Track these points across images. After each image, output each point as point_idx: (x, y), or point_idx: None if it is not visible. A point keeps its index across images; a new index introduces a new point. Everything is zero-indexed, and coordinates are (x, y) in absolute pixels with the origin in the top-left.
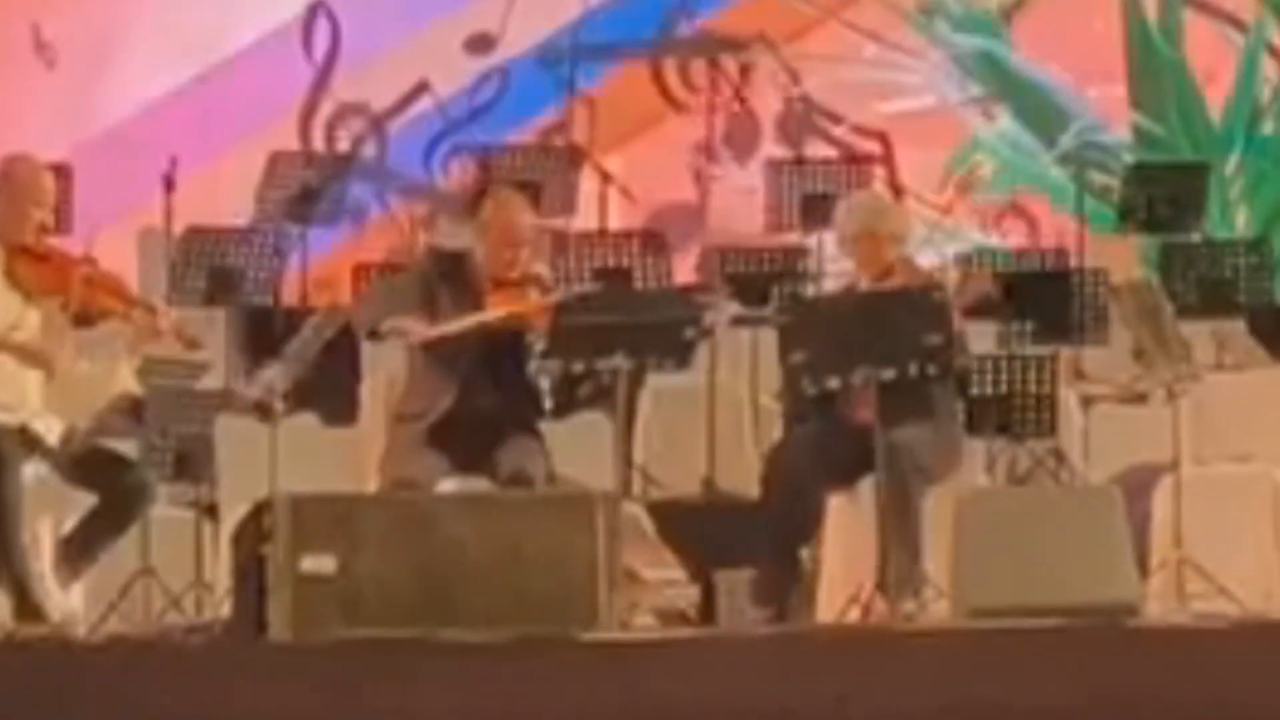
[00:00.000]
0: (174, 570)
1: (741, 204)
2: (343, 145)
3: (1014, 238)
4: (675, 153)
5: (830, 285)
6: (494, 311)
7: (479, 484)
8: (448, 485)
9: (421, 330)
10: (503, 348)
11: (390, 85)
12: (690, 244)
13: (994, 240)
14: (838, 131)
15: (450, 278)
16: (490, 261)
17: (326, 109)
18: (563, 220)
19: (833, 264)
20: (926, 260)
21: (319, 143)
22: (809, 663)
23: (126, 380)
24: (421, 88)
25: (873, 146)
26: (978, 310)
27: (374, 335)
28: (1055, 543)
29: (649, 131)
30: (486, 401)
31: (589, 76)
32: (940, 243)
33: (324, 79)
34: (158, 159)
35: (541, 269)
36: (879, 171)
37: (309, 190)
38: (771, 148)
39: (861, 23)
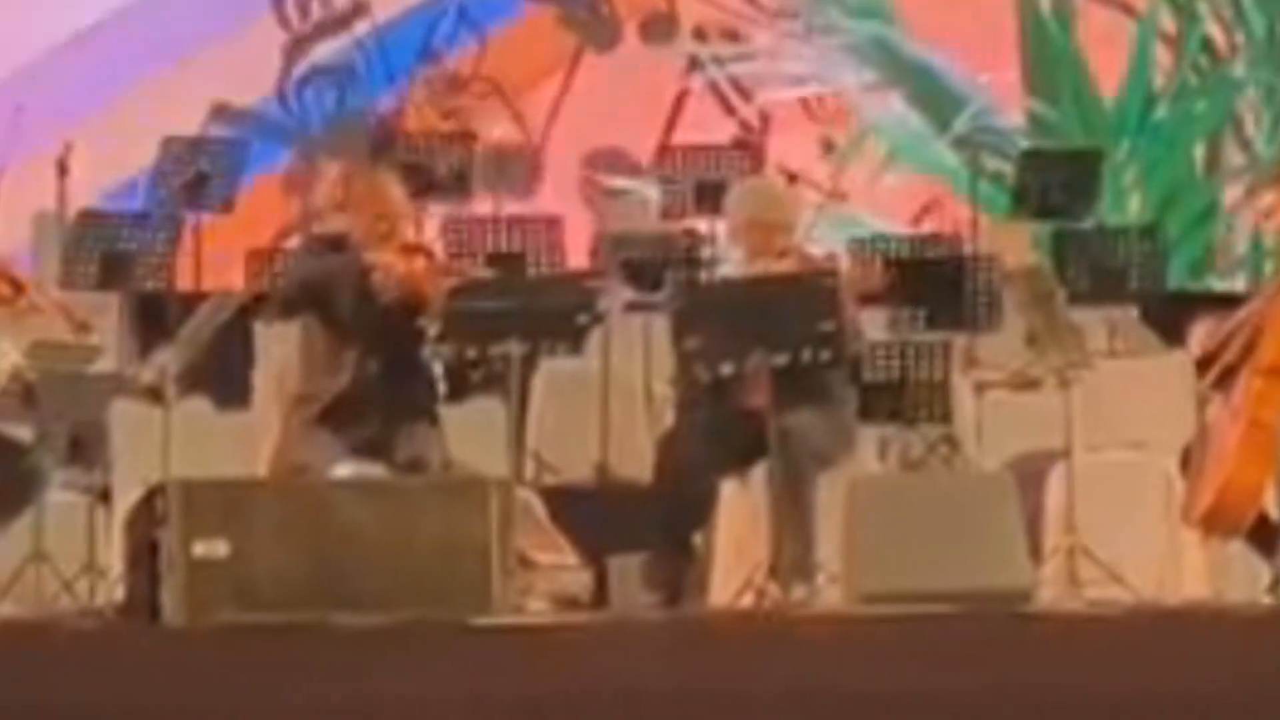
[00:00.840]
0: (67, 555)
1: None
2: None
3: (926, 222)
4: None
5: (724, 271)
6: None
7: (374, 469)
8: (342, 470)
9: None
10: (395, 332)
11: None
12: None
13: (896, 226)
14: (745, 112)
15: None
16: (366, 237)
17: None
18: (457, 205)
19: (726, 252)
20: (821, 246)
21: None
22: (701, 647)
23: (18, 362)
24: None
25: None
26: (875, 297)
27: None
28: (948, 529)
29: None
30: (380, 386)
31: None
32: (835, 228)
33: None
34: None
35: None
36: (772, 158)
37: (202, 175)
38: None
39: (749, 9)
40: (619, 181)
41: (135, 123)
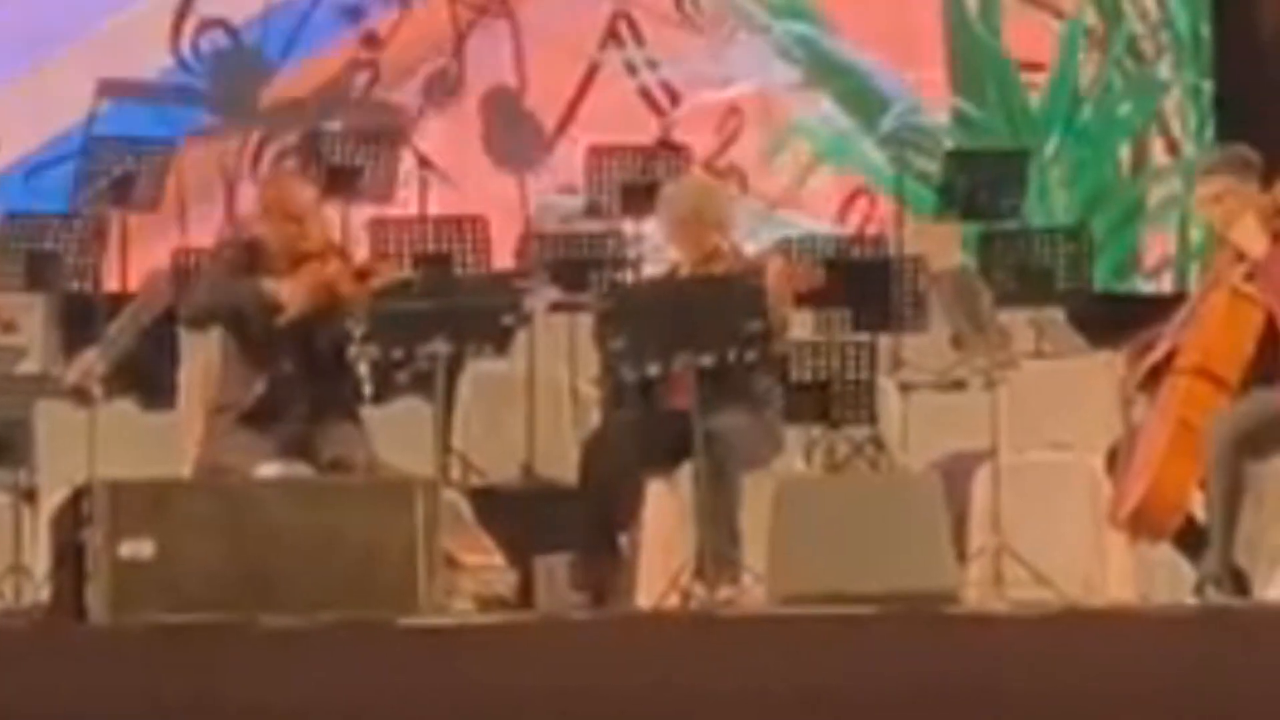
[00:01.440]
0: None
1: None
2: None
3: (853, 222)
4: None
5: (651, 271)
6: (291, 311)
7: (299, 469)
8: (267, 470)
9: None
10: (318, 333)
11: None
12: None
13: (824, 226)
14: (673, 113)
15: (248, 266)
16: (278, 241)
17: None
18: (382, 206)
19: (655, 251)
20: (751, 246)
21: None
22: (628, 647)
23: None
24: None
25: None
26: (809, 295)
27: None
28: (874, 530)
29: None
30: (303, 387)
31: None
32: (765, 228)
33: None
34: None
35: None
36: (699, 157)
37: (129, 175)
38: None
39: (673, 11)
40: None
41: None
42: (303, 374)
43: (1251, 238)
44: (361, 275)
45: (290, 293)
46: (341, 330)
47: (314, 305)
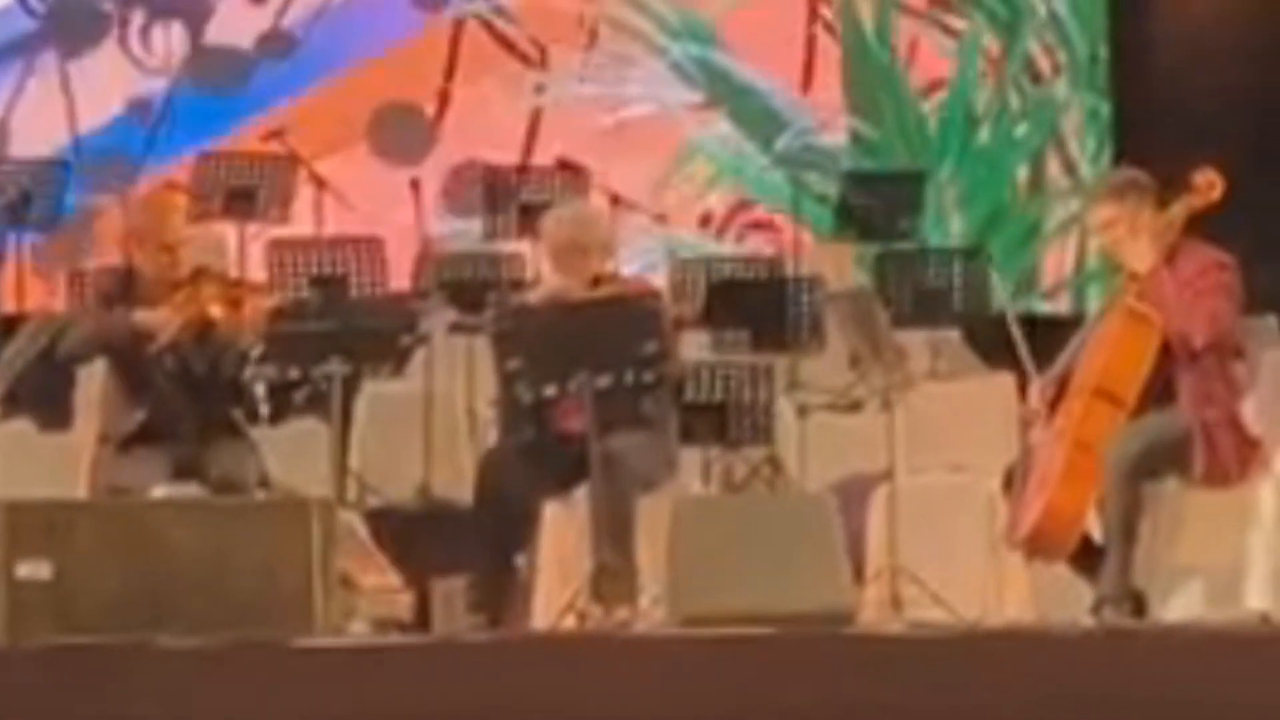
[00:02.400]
0: None
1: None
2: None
3: (752, 243)
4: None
5: (547, 294)
6: (162, 339)
7: (191, 490)
8: (160, 491)
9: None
10: (195, 357)
11: None
12: None
13: (721, 246)
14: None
15: (124, 296)
16: (151, 267)
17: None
18: (278, 227)
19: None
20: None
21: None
22: (524, 669)
23: None
24: None
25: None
26: (697, 319)
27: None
28: (771, 550)
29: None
30: (186, 410)
31: None
32: (659, 249)
33: None
34: None
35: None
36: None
37: (25, 195)
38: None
39: (580, 33)
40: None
41: None
42: (184, 398)
43: (1141, 258)
44: (236, 301)
45: (161, 321)
46: (222, 352)
47: (187, 332)
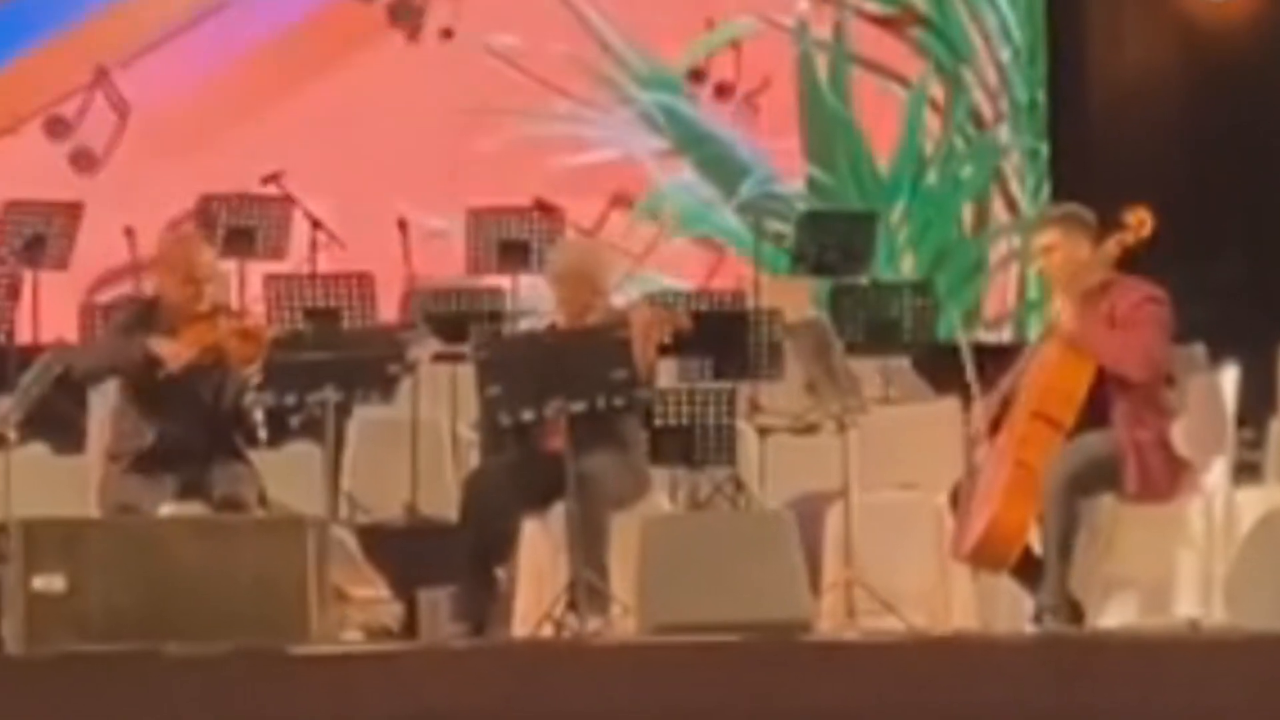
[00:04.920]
0: None
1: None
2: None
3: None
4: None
5: (526, 324)
6: (171, 366)
7: (195, 508)
8: (167, 509)
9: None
10: (203, 385)
11: None
12: None
13: (681, 283)
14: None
15: (146, 322)
16: (176, 299)
17: None
18: (275, 263)
19: (526, 306)
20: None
21: None
22: (505, 674)
23: None
24: None
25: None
26: (669, 346)
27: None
28: (734, 564)
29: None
30: (193, 434)
31: None
32: (630, 285)
33: None
34: None
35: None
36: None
37: (41, 236)
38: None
39: (553, 79)
40: (432, 222)
41: None
42: (192, 422)
43: (1077, 289)
44: (246, 335)
45: (176, 352)
46: (228, 381)
47: (200, 361)
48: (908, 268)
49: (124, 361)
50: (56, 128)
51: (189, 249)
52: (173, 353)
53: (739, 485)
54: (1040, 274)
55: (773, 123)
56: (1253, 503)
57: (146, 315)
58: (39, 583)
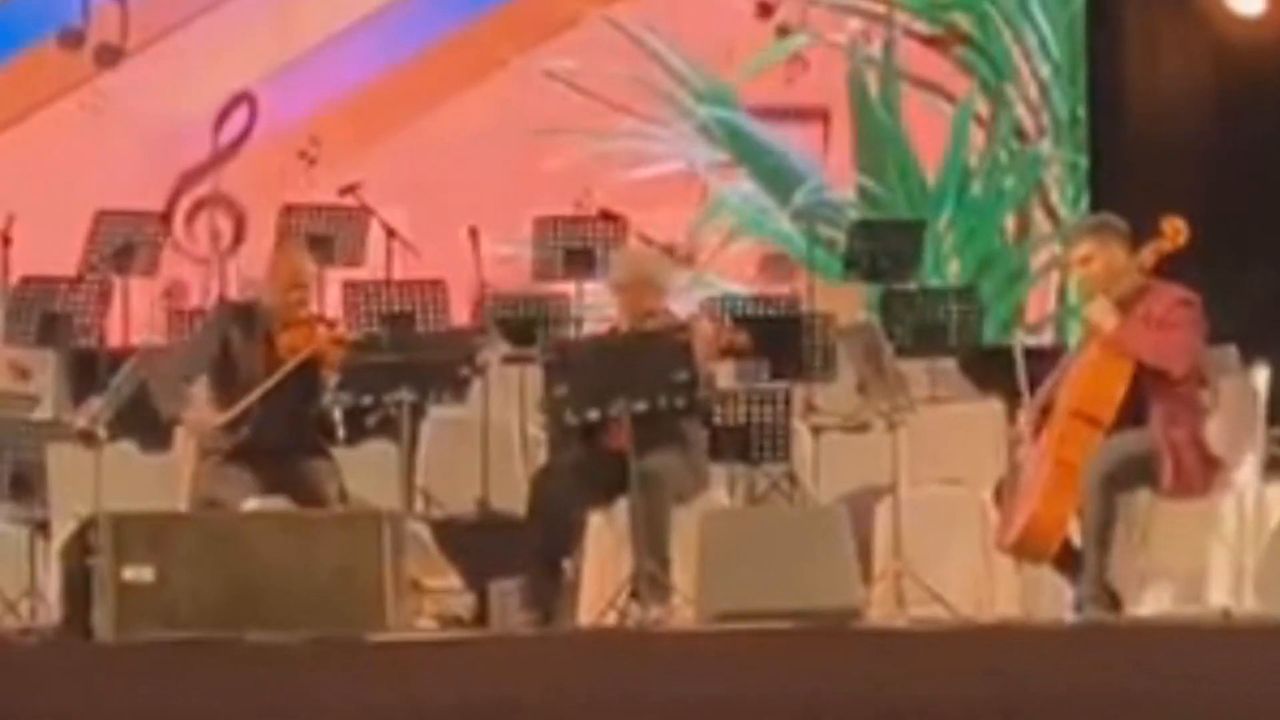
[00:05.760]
0: (10, 580)
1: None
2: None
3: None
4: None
5: (590, 328)
6: (290, 362)
7: (279, 503)
8: (251, 504)
9: (212, 416)
10: (294, 384)
11: None
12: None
13: (741, 288)
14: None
15: (242, 325)
16: (278, 305)
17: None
18: (353, 270)
19: (591, 311)
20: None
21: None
22: (571, 661)
23: None
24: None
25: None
26: (730, 353)
27: (175, 420)
28: (788, 556)
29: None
30: (281, 431)
31: None
32: (691, 290)
33: None
34: None
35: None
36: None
37: (130, 245)
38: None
39: (617, 98)
40: (503, 248)
41: None
42: (280, 419)
43: (1116, 294)
44: (339, 341)
45: (279, 352)
46: (315, 382)
47: (298, 364)
48: (953, 274)
49: (223, 359)
50: None
51: (291, 258)
52: (281, 351)
53: (794, 481)
54: (1080, 284)
55: (825, 135)
56: None
57: (244, 318)
58: (128, 574)
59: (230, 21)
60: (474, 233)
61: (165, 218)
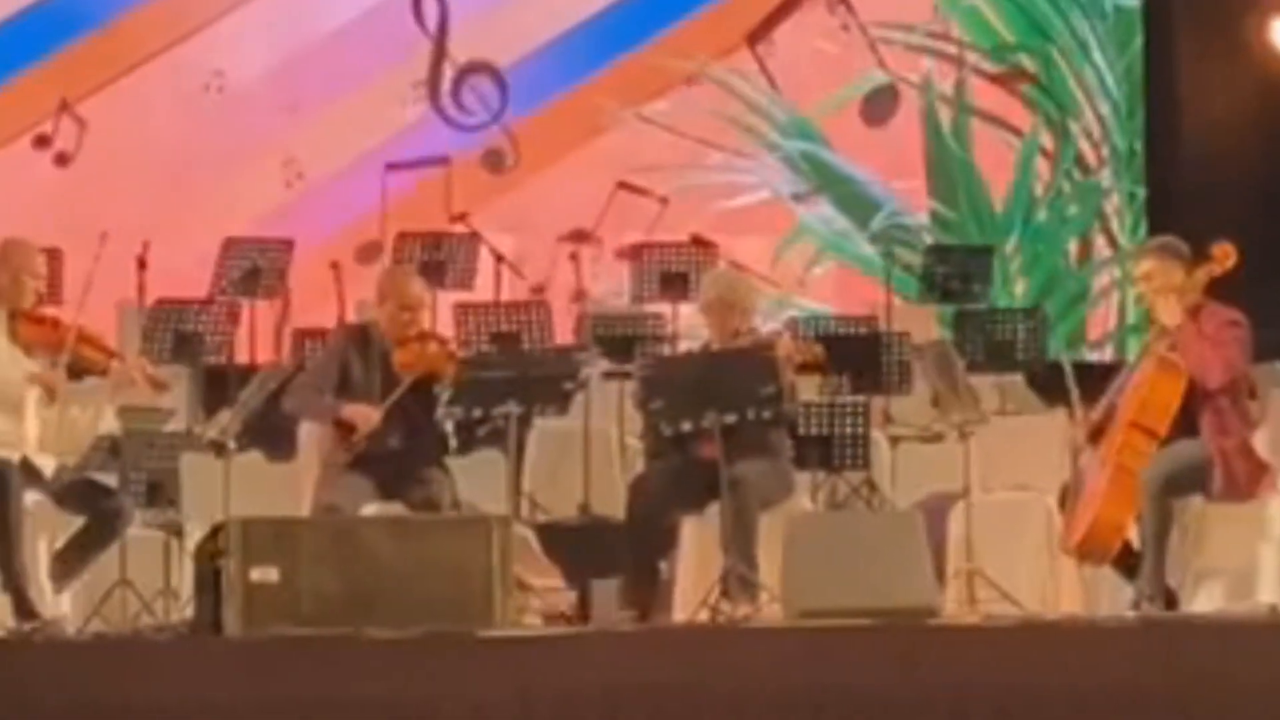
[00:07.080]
0: (147, 580)
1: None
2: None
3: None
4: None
5: (684, 346)
6: (406, 381)
7: (395, 508)
8: (370, 509)
9: (372, 412)
10: (410, 398)
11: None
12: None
13: (824, 308)
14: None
15: (360, 345)
16: (391, 325)
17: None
18: (464, 292)
19: (688, 329)
20: (766, 325)
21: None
22: (667, 655)
23: (109, 423)
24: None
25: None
26: (810, 366)
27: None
28: (868, 557)
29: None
30: (399, 442)
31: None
32: (778, 310)
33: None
34: None
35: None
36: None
37: (256, 269)
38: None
39: (706, 134)
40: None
41: None
42: (399, 431)
43: (1171, 314)
44: (452, 355)
45: (394, 369)
46: (429, 396)
47: (413, 379)
48: (1020, 295)
49: (345, 376)
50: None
51: (402, 281)
52: (395, 367)
53: (873, 487)
54: (1139, 298)
55: (902, 165)
56: None
57: (363, 340)
58: (255, 574)
59: None
60: (575, 257)
61: (288, 243)
